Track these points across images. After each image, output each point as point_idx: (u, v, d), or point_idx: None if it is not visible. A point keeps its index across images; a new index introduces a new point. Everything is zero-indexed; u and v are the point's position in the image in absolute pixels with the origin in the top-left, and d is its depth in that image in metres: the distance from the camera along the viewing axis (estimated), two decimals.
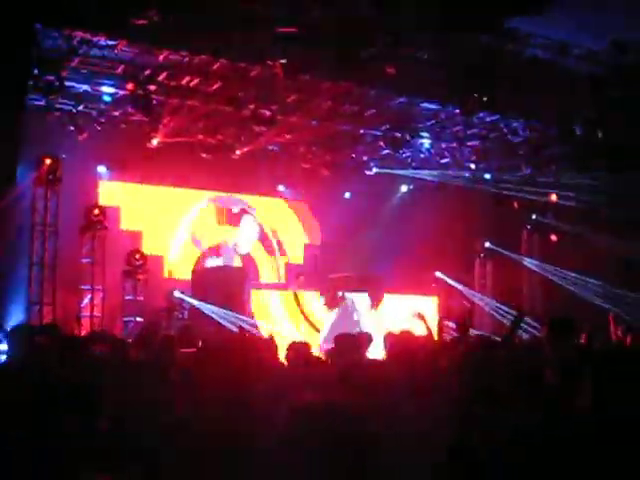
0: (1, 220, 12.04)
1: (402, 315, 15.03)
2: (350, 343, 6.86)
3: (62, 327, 11.05)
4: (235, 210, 17.56)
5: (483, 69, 12.76)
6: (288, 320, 15.27)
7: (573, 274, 16.28)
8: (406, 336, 6.28)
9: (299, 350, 6.78)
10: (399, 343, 5.86)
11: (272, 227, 18.10)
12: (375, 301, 15.63)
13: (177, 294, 14.89)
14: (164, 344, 7.22)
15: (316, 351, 9.59)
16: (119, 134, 14.63)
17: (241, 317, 13.63)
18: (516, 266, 18.04)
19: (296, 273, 16.25)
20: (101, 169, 15.83)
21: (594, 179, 15.26)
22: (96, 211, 14.96)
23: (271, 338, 7.72)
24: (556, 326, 5.93)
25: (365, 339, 7.65)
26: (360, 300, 15.49)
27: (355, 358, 6.25)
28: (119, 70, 12.85)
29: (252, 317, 14.28)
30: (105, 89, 13.50)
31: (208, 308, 13.82)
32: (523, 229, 18.51)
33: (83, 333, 13.29)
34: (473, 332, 14.82)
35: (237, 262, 17.01)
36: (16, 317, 13.50)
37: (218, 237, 17.33)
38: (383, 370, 4.86)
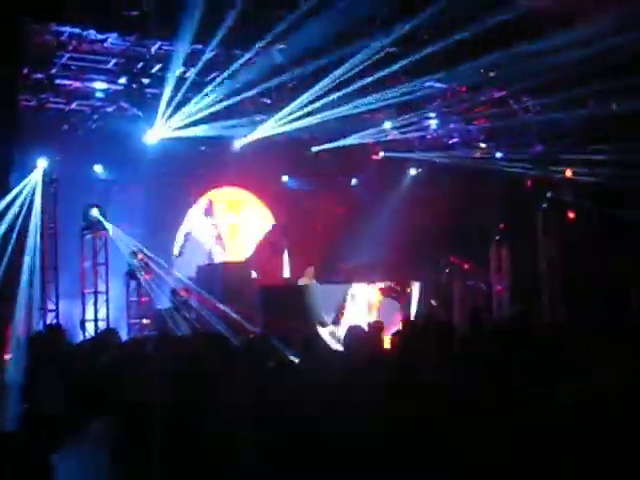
0: None
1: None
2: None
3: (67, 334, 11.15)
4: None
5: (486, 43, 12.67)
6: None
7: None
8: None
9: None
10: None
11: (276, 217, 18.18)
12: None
13: (182, 293, 14.87)
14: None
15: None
16: (114, 131, 14.59)
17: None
18: (533, 247, 17.97)
19: (305, 264, 16.15)
20: (98, 168, 15.81)
21: (610, 152, 15.20)
22: (95, 211, 14.92)
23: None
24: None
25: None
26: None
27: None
28: (111, 64, 12.80)
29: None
30: (97, 85, 13.45)
31: (216, 306, 13.77)
32: (538, 208, 18.43)
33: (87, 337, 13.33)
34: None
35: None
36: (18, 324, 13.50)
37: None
38: None
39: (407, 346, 5.51)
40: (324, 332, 13.71)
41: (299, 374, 5.12)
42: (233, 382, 4.39)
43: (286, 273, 17.90)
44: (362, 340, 6.18)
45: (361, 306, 14.40)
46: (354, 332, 6.61)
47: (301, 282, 15.19)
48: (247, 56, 12.56)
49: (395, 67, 13.12)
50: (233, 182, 17.73)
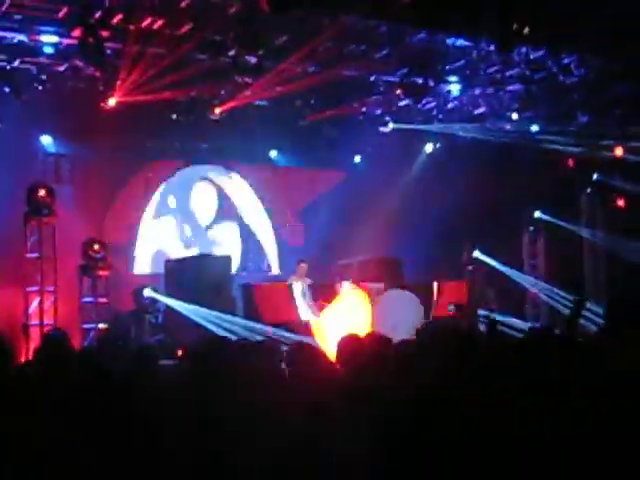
0: None
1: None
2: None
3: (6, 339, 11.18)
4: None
5: None
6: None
7: None
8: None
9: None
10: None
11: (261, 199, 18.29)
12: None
13: (148, 293, 14.92)
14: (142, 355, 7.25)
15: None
16: (66, 95, 14.61)
17: (229, 318, 13.67)
18: (574, 240, 18.03)
19: (297, 260, 16.21)
20: (46, 139, 15.82)
21: None
22: (42, 192, 14.91)
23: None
24: None
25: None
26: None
27: None
28: (62, 13, 12.79)
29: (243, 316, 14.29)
30: (45, 38, 13.42)
31: (187, 308, 13.83)
32: (582, 193, 18.48)
33: (32, 346, 13.35)
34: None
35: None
36: None
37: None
38: None
39: (413, 363, 5.59)
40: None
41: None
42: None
43: (275, 270, 18.03)
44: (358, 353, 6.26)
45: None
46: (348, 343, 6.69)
47: (292, 281, 15.24)
48: (227, 2, 12.57)
49: (409, 19, 13.11)
50: (210, 159, 17.77)
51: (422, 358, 5.52)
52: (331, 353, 6.70)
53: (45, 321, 14.65)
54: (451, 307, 14.94)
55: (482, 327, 14.73)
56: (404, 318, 14.03)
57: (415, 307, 14.78)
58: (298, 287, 14.58)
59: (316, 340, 13.47)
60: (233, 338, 10.14)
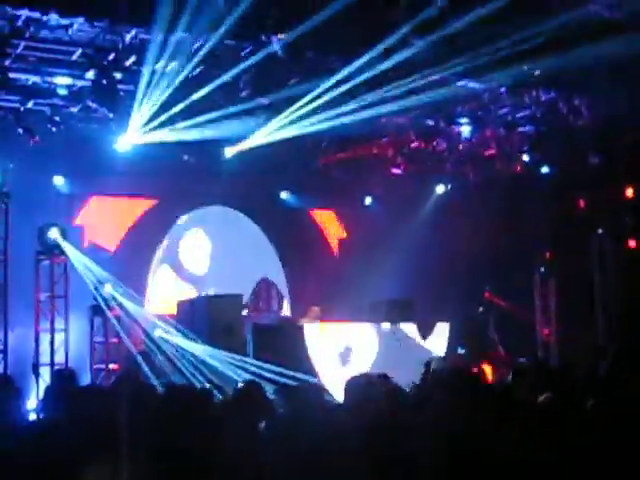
0: None
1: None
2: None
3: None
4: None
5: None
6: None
7: None
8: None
9: None
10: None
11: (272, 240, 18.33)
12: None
13: (159, 333, 14.90)
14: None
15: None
16: (79, 136, 14.69)
17: (243, 359, 13.67)
18: (586, 281, 17.96)
19: (308, 301, 16.23)
20: (58, 180, 15.89)
21: None
22: (54, 232, 14.98)
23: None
24: None
25: None
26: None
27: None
28: (76, 56, 12.89)
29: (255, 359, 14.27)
30: (59, 80, 13.52)
31: (198, 349, 13.82)
32: (593, 234, 18.44)
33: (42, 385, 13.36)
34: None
35: None
36: None
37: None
38: None
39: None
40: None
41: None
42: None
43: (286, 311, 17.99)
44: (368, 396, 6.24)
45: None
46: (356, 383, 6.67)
47: (303, 323, 15.24)
48: (241, 47, 12.65)
49: (421, 62, 13.18)
50: (222, 199, 17.79)
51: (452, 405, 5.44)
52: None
53: (56, 361, 14.66)
54: (461, 350, 14.94)
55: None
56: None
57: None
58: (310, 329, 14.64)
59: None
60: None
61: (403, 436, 4.59)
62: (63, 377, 9.23)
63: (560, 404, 5.36)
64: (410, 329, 15.57)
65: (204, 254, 17.93)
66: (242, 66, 13.15)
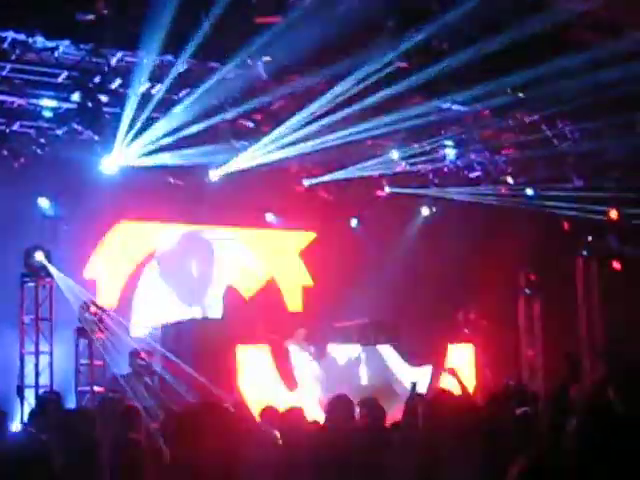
0: None
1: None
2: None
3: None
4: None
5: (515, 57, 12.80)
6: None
7: None
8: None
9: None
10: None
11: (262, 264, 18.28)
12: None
13: (143, 356, 14.86)
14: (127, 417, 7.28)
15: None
16: (64, 158, 14.69)
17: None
18: (570, 303, 18.04)
19: (294, 325, 16.21)
20: (43, 202, 15.86)
21: None
22: (39, 254, 14.96)
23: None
24: None
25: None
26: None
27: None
28: (61, 78, 12.92)
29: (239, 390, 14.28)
30: (45, 102, 13.56)
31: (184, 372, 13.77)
32: (577, 256, 18.52)
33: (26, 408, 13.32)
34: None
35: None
36: None
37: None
38: None
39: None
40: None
41: None
42: None
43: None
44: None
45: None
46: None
47: (289, 344, 15.27)
48: (225, 70, 12.69)
49: (405, 85, 13.25)
50: (207, 221, 17.78)
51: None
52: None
53: (40, 383, 14.61)
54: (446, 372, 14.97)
55: None
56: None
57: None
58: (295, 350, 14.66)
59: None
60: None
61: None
62: (48, 400, 9.25)
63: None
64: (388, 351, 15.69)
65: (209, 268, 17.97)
66: (227, 88, 13.22)
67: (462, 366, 15.43)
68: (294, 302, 18.34)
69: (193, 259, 17.92)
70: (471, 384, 15.27)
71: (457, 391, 8.36)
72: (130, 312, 16.89)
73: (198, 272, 17.86)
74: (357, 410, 7.65)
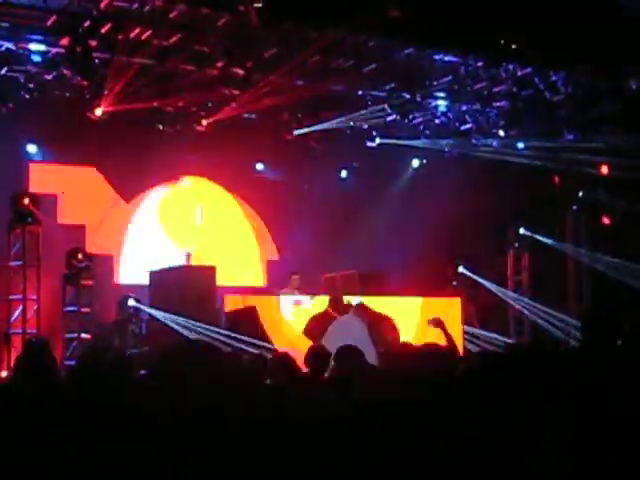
0: None
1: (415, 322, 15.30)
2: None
3: None
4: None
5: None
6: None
7: (634, 265, 16.34)
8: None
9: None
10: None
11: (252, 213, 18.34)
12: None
13: (131, 303, 14.94)
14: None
15: None
16: (53, 103, 14.68)
17: (214, 329, 13.68)
18: (559, 257, 18.11)
19: (289, 272, 16.24)
20: (31, 148, 15.87)
21: None
22: (26, 201, 15.01)
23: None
24: None
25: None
26: None
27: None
28: (50, 22, 12.88)
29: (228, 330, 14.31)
30: (33, 47, 13.52)
31: (171, 319, 13.85)
32: (567, 210, 18.56)
33: (14, 354, 13.40)
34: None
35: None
36: None
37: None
38: None
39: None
40: None
41: None
42: None
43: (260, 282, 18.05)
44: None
45: None
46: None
47: (284, 293, 15.33)
48: (216, 16, 12.66)
49: (396, 33, 13.22)
50: (196, 170, 17.78)
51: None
52: None
53: (28, 330, 14.70)
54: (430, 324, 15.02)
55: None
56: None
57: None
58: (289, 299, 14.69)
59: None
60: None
61: None
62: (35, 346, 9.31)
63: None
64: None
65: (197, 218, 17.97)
66: (218, 35, 13.20)
67: (449, 319, 15.50)
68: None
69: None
70: (458, 337, 15.36)
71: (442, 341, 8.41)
72: (118, 259, 16.95)
73: (184, 224, 17.85)
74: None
